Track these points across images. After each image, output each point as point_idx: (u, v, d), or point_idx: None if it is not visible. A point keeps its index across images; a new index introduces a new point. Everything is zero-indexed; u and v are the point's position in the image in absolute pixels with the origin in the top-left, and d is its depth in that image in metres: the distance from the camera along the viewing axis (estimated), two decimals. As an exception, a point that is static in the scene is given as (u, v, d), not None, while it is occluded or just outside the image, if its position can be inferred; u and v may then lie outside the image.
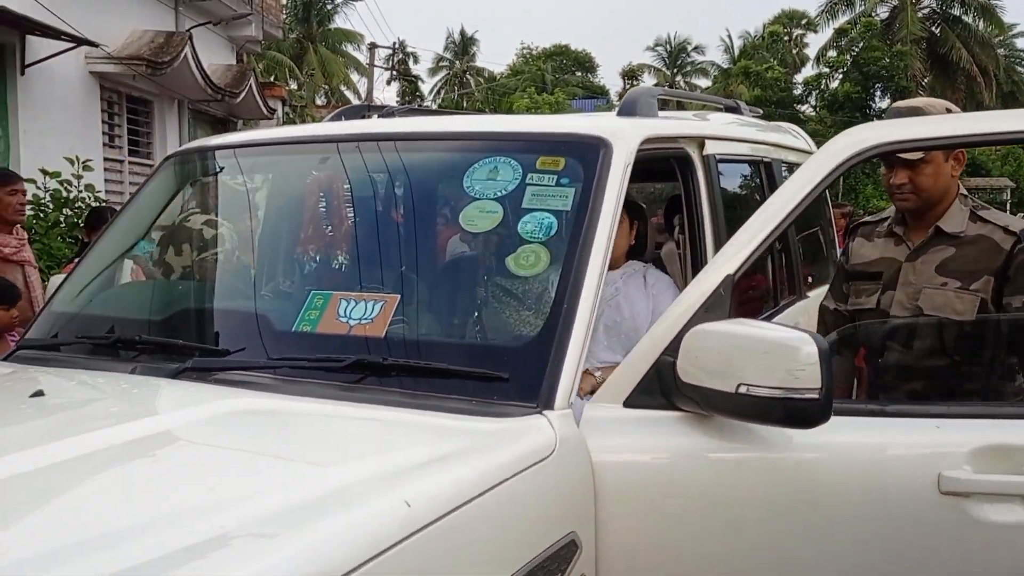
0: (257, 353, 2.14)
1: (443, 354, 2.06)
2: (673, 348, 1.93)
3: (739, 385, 1.77)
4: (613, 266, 2.96)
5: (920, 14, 35.45)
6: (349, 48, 43.49)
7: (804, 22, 42.92)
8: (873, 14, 35.93)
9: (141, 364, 2.17)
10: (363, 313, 2.13)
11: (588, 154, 2.32)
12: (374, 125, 2.61)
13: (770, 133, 3.59)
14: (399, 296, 2.15)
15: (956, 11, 36.29)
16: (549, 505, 1.79)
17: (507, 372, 1.96)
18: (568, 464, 1.84)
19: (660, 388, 1.94)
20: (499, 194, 2.28)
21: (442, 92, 52.75)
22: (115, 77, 9.20)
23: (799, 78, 40.55)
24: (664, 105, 3.42)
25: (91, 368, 2.20)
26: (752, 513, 1.93)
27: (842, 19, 37.02)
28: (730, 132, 3.02)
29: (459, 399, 1.93)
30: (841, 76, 35.16)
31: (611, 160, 2.29)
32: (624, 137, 2.36)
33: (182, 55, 9.03)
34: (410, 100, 45.17)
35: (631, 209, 2.92)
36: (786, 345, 1.75)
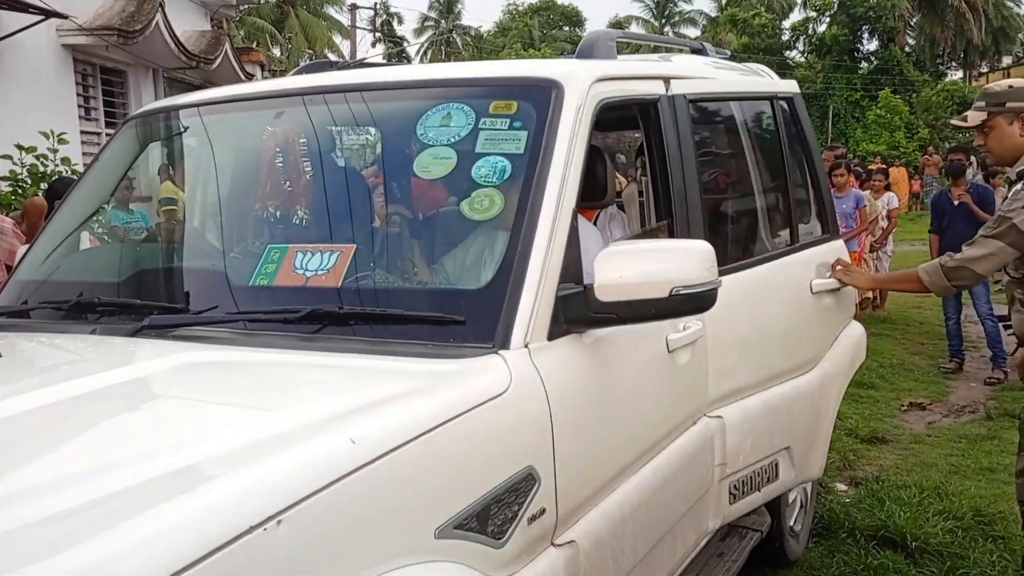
0: (215, 308, 2.15)
1: (400, 301, 2.08)
2: (567, 278, 2.09)
3: (672, 289, 2.04)
4: None
5: (906, -48, 34.99)
6: (332, 11, 43.01)
7: (791, -34, 42.37)
8: (859, -46, 35.48)
9: (101, 325, 2.19)
10: (319, 264, 2.14)
11: (539, 96, 2.32)
12: (328, 78, 2.60)
13: (734, 73, 3.56)
14: (355, 246, 2.16)
15: (943, -53, 35.85)
16: (505, 440, 1.82)
17: (463, 315, 1.98)
18: (524, 400, 1.87)
19: (564, 317, 2.06)
20: (452, 140, 2.28)
21: (429, 52, 52.28)
22: (88, 49, 9.11)
23: (787, 24, 40.20)
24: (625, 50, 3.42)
25: (52, 331, 2.22)
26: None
27: (828, -39, 36.54)
28: (691, 72, 3.00)
29: (417, 344, 1.95)
30: (828, 20, 34.87)
31: (563, 102, 2.29)
32: (576, 78, 2.36)
33: (153, 23, 8.93)
34: (397, 62, 44.77)
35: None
36: (700, 249, 2.10)
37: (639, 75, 2.71)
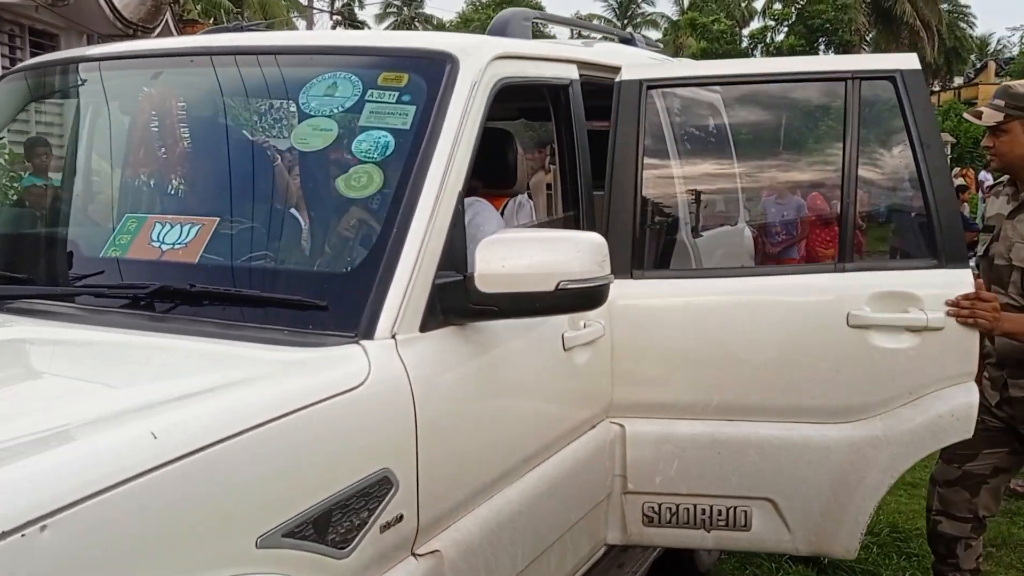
0: (61, 281, 1.95)
1: (260, 282, 1.90)
2: (448, 266, 1.94)
3: (559, 283, 1.89)
4: None
5: (865, -32, 35.48)
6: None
7: (753, -26, 42.68)
8: (820, -34, 35.86)
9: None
10: (177, 237, 1.95)
11: (431, 70, 2.15)
12: (214, 39, 2.41)
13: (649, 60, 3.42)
14: (217, 220, 1.98)
15: (901, -35, 36.40)
16: (356, 439, 1.65)
17: (326, 301, 1.81)
18: (382, 396, 1.71)
19: (442, 307, 1.91)
20: (335, 111, 2.11)
21: (389, 39, 51.70)
22: (15, 8, 8.72)
23: (746, 32, 40.54)
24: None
25: None
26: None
27: (789, -29, 36.91)
28: (601, 59, 2.86)
29: (273, 329, 1.78)
30: (786, 29, 35.24)
31: (456, 77, 2.12)
32: (473, 53, 2.20)
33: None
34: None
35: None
36: (589, 241, 1.96)
37: (548, 56, 2.56)
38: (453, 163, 2.01)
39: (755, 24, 40.09)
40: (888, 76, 2.80)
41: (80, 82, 2.51)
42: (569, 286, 1.94)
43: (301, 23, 39.15)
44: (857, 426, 2.74)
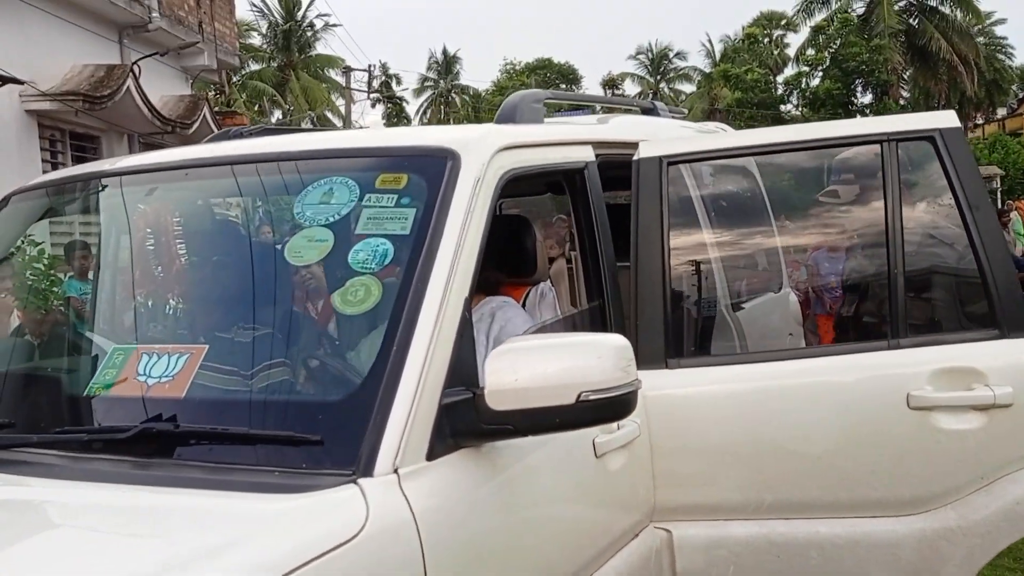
0: (41, 425, 1.82)
1: (251, 416, 1.74)
2: (456, 382, 1.76)
3: (580, 394, 1.71)
4: None
5: (896, 7, 35.28)
6: (332, 73, 43.37)
7: (783, 22, 42.77)
8: (849, 10, 35.78)
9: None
10: (164, 369, 1.81)
11: (431, 169, 2.01)
12: (211, 149, 2.30)
13: (681, 132, 3.27)
14: (205, 347, 1.83)
15: (932, 1, 36.15)
16: (355, 599, 1.46)
17: (321, 434, 1.65)
18: (382, 545, 1.52)
19: (451, 430, 1.72)
20: (331, 219, 1.97)
21: (428, 112, 52.64)
22: (54, 115, 8.91)
23: (781, 78, 40.45)
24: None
25: None
26: None
27: (819, 17, 36.87)
28: (618, 135, 2.70)
29: (265, 470, 1.61)
30: (821, 74, 35.03)
31: (458, 174, 1.98)
32: (475, 147, 2.06)
33: (124, 88, 8.73)
34: (396, 122, 45.03)
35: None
36: (611, 345, 1.79)
37: (559, 141, 2.41)
38: (457, 267, 1.85)
39: (789, 71, 40.01)
40: (927, 136, 2.61)
41: (73, 204, 2.42)
42: (591, 397, 1.75)
43: (341, 102, 40.08)
44: (927, 518, 2.48)
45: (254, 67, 37.41)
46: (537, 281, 2.74)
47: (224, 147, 2.32)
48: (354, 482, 1.55)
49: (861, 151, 2.88)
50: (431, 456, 1.69)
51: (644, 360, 2.48)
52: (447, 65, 54.08)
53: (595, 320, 2.49)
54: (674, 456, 2.45)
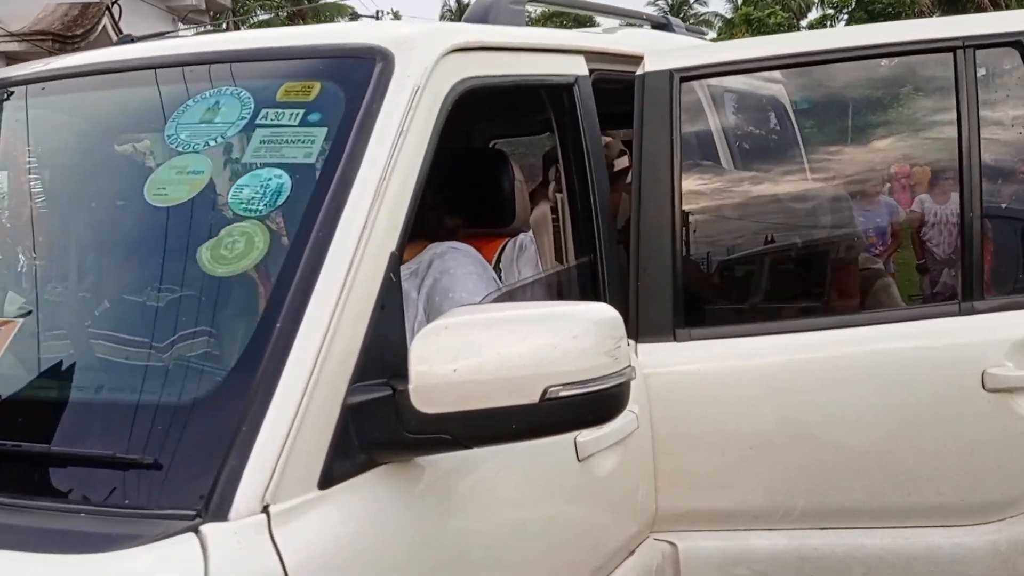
0: None
1: (61, 425, 1.22)
2: (372, 373, 1.23)
3: (547, 389, 1.20)
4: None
5: (926, -55, 33.88)
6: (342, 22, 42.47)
7: (807, -36, 41.29)
8: (877, -51, 34.40)
9: None
10: (-31, 352, 1.29)
11: (353, 74, 1.48)
12: (71, 61, 1.76)
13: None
14: (19, 322, 1.31)
15: (963, -60, 34.69)
16: None
17: (158, 456, 1.12)
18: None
19: (360, 440, 1.21)
20: (212, 144, 1.44)
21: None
22: (25, 56, 8.33)
23: (805, 23, 39.27)
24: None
25: None
26: None
27: (845, -43, 35.52)
28: (619, 47, 2.13)
29: (68, 510, 1.10)
30: (846, 17, 33.92)
31: (388, 81, 1.44)
32: (416, 47, 1.50)
33: (99, 27, 8.12)
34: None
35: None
36: (592, 318, 1.27)
37: (538, 46, 1.84)
38: (379, 210, 1.32)
39: (813, 15, 38.69)
40: (1012, 41, 2.03)
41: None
42: (563, 393, 1.23)
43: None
44: (1003, 527, 1.96)
45: (262, 16, 36.52)
46: (516, 231, 2.20)
47: (96, 55, 1.77)
48: (194, 530, 1.03)
49: (922, 61, 2.29)
50: (327, 482, 1.17)
51: (647, 330, 1.96)
52: (461, 13, 52.91)
53: (584, 282, 1.95)
54: (682, 450, 1.93)
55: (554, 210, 2.04)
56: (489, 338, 1.23)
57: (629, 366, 1.30)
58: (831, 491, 1.96)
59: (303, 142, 1.40)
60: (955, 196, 1.99)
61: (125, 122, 1.62)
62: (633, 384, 1.84)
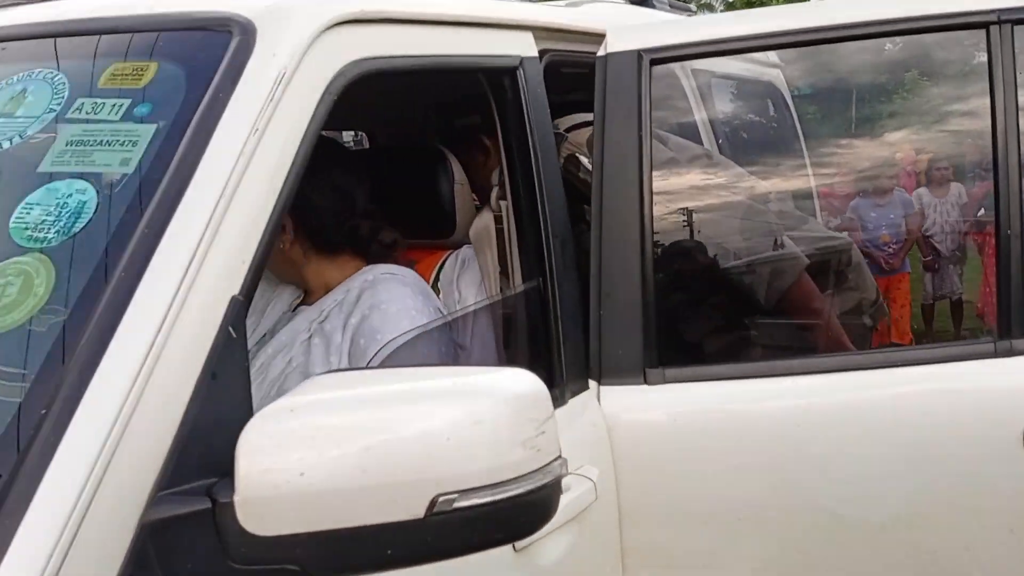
0: None
1: None
2: (190, 473, 0.88)
3: (436, 499, 0.87)
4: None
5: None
6: None
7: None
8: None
9: None
10: None
11: (200, 53, 1.10)
12: None
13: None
14: None
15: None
16: None
17: None
18: None
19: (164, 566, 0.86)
20: (5, 144, 1.07)
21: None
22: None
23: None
24: None
25: None
26: None
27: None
28: (586, 23, 1.73)
29: None
30: None
31: (245, 62, 1.06)
32: (287, 16, 1.13)
33: None
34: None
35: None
36: (503, 391, 0.92)
37: (469, 19, 1.46)
38: (215, 241, 0.95)
39: (817, -1, 38.16)
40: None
41: None
42: (459, 504, 0.87)
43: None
44: None
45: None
46: (457, 243, 1.82)
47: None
48: None
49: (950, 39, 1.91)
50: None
51: (611, 371, 1.58)
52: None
53: (532, 311, 1.58)
54: (655, 522, 1.56)
55: (498, 220, 1.66)
56: (354, 424, 0.87)
57: (558, 459, 0.93)
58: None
59: (122, 144, 1.03)
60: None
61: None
62: (592, 439, 1.53)
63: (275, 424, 0.87)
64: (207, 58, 1.08)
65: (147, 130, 1.04)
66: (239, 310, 0.96)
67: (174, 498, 0.87)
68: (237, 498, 0.85)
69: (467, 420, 0.88)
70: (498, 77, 1.54)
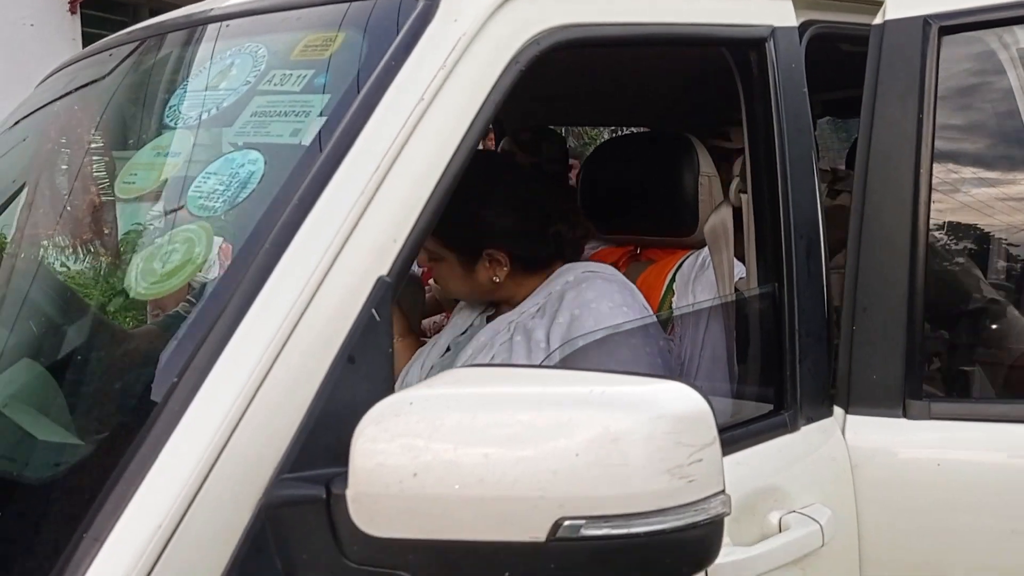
0: None
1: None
2: (315, 462, 0.83)
3: (560, 522, 0.73)
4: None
5: None
6: None
7: None
8: None
9: None
10: None
11: (383, 21, 1.05)
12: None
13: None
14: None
15: None
16: None
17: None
18: None
19: (283, 562, 0.81)
20: (205, 117, 1.09)
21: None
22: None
23: None
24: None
25: None
26: None
27: None
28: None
29: None
30: None
31: (423, 29, 1.00)
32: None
33: None
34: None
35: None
36: (664, 411, 0.75)
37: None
38: (364, 216, 0.89)
39: None
40: None
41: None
42: (587, 532, 0.73)
43: None
44: None
45: None
46: (697, 243, 1.64)
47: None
48: None
49: None
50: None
51: (861, 398, 1.33)
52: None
53: (765, 320, 1.37)
54: (906, 582, 1.29)
55: (738, 215, 1.47)
56: (474, 426, 0.76)
57: (719, 494, 0.76)
58: None
59: (296, 115, 1.00)
60: None
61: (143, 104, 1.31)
62: (829, 476, 1.31)
63: (393, 417, 0.78)
64: (389, 26, 1.03)
65: (320, 100, 1.00)
66: (386, 292, 0.89)
67: (296, 483, 0.81)
68: (349, 492, 0.77)
69: (603, 436, 0.73)
70: (742, 51, 1.35)
